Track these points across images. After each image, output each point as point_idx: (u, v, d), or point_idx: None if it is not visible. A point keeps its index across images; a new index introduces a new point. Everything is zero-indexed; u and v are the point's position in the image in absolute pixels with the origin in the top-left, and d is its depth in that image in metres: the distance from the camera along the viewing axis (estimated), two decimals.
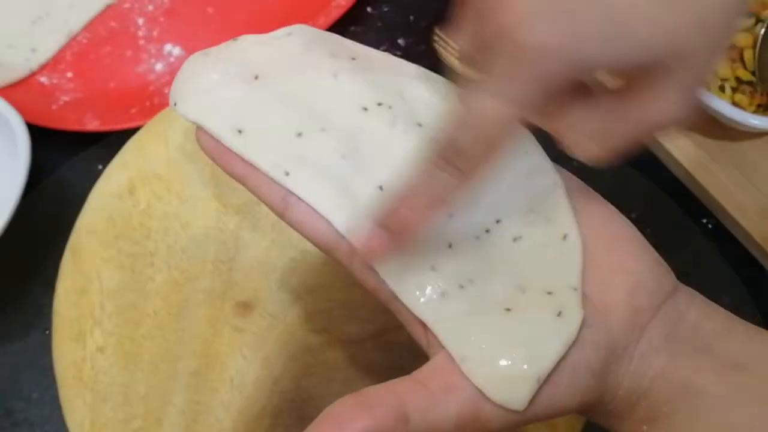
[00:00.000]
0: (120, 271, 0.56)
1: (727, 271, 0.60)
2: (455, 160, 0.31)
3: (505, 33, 0.29)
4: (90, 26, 0.69)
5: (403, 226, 0.32)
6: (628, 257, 0.36)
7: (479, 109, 0.30)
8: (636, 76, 0.32)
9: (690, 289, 0.38)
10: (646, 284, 0.35)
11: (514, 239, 0.36)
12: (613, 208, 0.38)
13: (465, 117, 0.31)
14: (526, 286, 0.34)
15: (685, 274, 0.59)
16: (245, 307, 0.54)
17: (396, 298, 0.35)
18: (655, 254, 0.37)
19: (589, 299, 0.34)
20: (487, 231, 0.36)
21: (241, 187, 0.57)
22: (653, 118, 0.32)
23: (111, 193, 0.58)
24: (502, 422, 0.32)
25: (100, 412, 0.52)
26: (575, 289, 0.34)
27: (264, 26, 0.66)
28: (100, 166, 0.63)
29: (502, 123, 0.30)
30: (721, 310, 0.37)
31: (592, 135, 0.34)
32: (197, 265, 0.56)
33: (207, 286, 0.55)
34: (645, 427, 0.35)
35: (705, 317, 0.36)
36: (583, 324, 0.33)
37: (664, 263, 0.37)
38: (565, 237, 0.35)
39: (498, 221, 0.36)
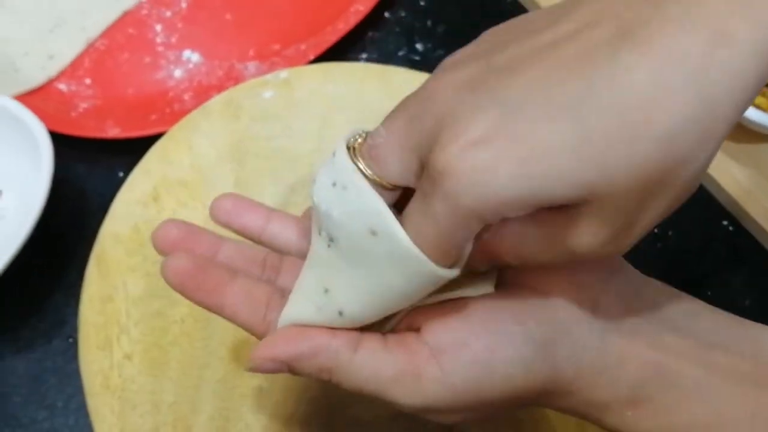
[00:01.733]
0: (146, 279, 0.56)
1: (747, 273, 0.60)
2: None
3: (426, 148, 0.30)
4: (108, 33, 0.69)
5: None
6: None
7: None
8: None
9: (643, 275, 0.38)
10: (586, 262, 0.36)
11: None
12: None
13: None
14: None
15: (706, 276, 0.60)
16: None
17: None
18: None
19: (528, 283, 0.36)
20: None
21: (267, 191, 0.57)
22: (570, 246, 0.31)
23: (135, 200, 0.58)
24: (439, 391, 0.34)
25: (129, 420, 0.52)
26: None
27: (282, 32, 0.67)
28: (121, 173, 0.63)
29: None
30: (685, 294, 0.38)
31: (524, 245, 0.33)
32: None
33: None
34: (629, 413, 0.35)
35: (666, 297, 0.37)
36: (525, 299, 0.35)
37: None
38: None
39: None
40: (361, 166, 0.32)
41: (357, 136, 0.34)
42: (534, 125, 0.28)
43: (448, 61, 0.32)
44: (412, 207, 0.31)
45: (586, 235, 0.30)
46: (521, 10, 0.69)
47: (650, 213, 0.29)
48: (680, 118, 0.27)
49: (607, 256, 0.31)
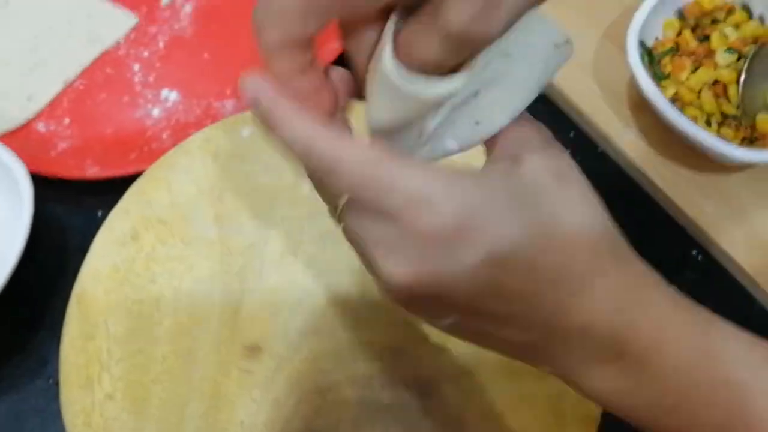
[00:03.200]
0: (127, 317, 0.56)
1: (716, 301, 0.62)
2: None
3: None
4: (86, 73, 0.70)
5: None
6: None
7: None
8: None
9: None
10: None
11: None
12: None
13: None
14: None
15: None
16: (253, 350, 0.55)
17: None
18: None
19: None
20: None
21: (247, 227, 0.58)
22: (443, 26, 0.31)
23: (114, 240, 0.58)
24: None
25: None
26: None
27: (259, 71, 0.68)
28: (101, 213, 0.63)
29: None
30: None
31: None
32: (204, 309, 0.56)
33: (214, 330, 0.56)
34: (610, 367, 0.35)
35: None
36: None
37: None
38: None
39: None
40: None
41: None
42: None
43: None
44: None
45: (454, 10, 0.30)
46: None
47: None
48: None
49: (481, 35, 0.31)
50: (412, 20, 0.32)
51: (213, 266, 0.58)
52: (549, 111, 0.68)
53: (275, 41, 0.32)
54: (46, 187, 0.62)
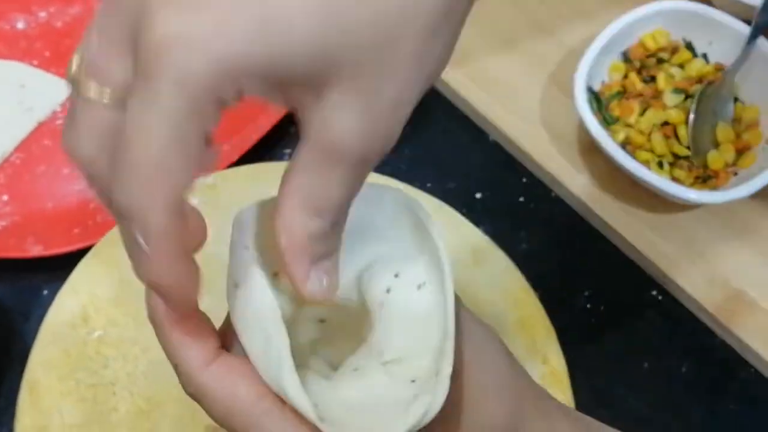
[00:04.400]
0: (81, 404, 0.54)
1: (678, 340, 0.62)
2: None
3: (138, 24, 0.25)
4: (23, 146, 0.67)
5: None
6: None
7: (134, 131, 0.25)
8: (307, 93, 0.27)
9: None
10: None
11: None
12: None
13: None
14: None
15: (640, 346, 0.61)
16: (216, 430, 0.53)
17: None
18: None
19: None
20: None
21: (204, 300, 0.55)
22: (330, 141, 0.27)
23: (63, 322, 0.56)
24: None
25: None
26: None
27: None
28: (46, 291, 0.61)
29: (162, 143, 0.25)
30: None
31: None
32: (162, 391, 0.54)
33: (175, 412, 0.53)
34: None
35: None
36: None
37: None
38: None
39: None
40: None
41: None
42: None
43: None
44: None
45: (341, 120, 0.26)
46: None
47: (398, 76, 0.27)
48: None
49: (376, 150, 0.28)
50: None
51: None
52: (500, 159, 0.68)
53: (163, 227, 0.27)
54: None
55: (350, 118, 0.26)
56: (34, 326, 0.57)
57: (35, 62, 0.71)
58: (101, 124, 0.27)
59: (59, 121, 0.68)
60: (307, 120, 0.27)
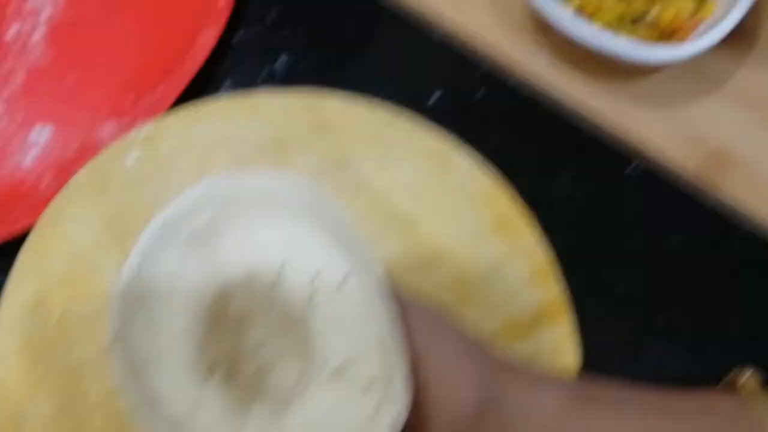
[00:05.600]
0: (51, 394, 0.51)
1: (665, 213, 0.59)
2: None
3: None
4: None
5: None
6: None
7: None
8: None
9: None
10: None
11: None
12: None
13: None
14: None
15: (626, 224, 0.58)
16: None
17: None
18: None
19: None
20: None
21: None
22: None
23: (18, 311, 0.53)
24: None
25: None
26: None
27: (133, 81, 0.62)
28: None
29: None
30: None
31: None
32: None
33: None
34: None
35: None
36: None
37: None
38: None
39: None
40: None
41: None
42: None
43: None
44: None
45: None
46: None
47: None
48: None
49: None
50: None
51: None
52: (450, 57, 0.63)
53: None
54: None
55: None
56: None
57: None
58: None
59: None
60: None
